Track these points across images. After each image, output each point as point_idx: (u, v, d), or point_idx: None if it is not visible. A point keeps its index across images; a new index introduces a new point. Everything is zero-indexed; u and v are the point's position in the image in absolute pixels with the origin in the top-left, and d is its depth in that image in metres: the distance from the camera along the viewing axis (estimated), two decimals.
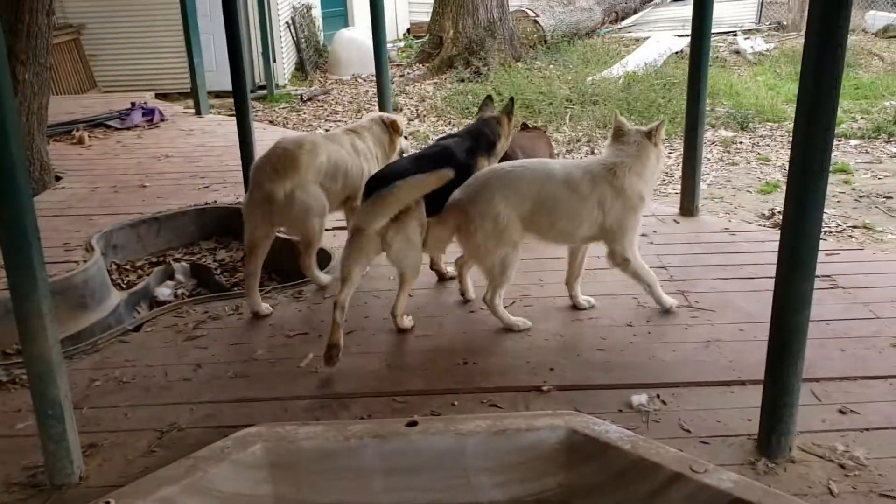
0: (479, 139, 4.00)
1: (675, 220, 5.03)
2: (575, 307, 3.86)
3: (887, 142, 8.27)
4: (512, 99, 4.36)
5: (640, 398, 3.05)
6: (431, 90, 11.22)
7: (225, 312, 3.95)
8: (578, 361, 3.37)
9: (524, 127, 5.25)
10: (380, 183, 3.45)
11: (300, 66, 12.59)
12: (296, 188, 3.78)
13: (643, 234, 4.73)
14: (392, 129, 4.38)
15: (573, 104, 9.85)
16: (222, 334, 3.73)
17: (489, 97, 4.41)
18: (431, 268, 4.20)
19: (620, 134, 3.65)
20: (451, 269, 4.20)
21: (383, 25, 6.33)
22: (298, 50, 12.50)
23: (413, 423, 2.70)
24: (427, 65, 12.66)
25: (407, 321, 3.70)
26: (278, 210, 3.79)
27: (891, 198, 6.54)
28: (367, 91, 11.42)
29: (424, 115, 9.97)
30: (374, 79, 6.92)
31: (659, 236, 4.74)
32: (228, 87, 5.42)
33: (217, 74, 10.50)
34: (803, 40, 2.45)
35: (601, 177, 3.56)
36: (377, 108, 6.11)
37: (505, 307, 3.85)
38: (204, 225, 5.48)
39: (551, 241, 3.76)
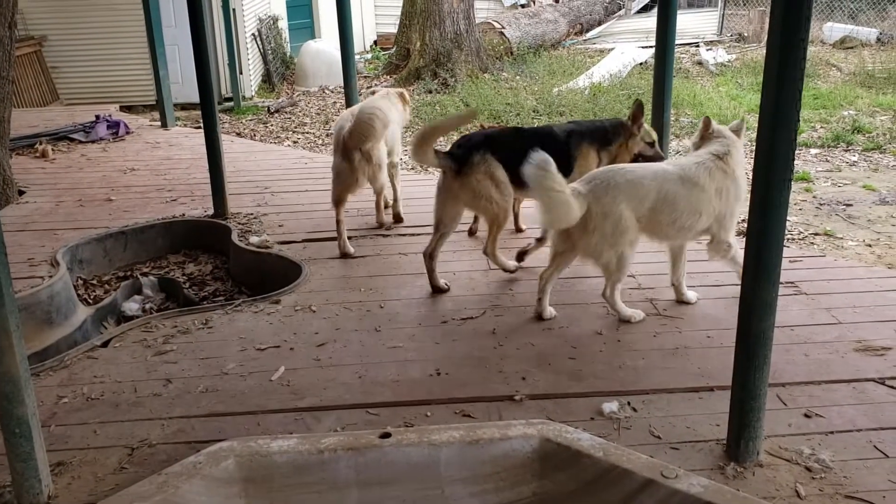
0: (592, 130, 4.44)
1: None
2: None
3: (846, 150, 8.46)
4: (638, 103, 4.43)
5: (611, 406, 3.09)
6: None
7: (195, 326, 3.92)
8: (550, 370, 3.40)
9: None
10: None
11: (267, 78, 12.54)
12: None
13: None
14: (402, 99, 5.41)
15: (540, 115, 9.94)
16: (192, 349, 3.70)
17: (639, 102, 4.44)
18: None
19: (709, 132, 3.91)
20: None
21: (351, 37, 6.37)
22: (265, 62, 12.46)
23: (386, 435, 2.71)
24: (395, 76, 12.70)
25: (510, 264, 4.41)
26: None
27: (850, 205, 6.69)
28: (334, 102, 11.41)
29: None
30: (342, 90, 6.93)
31: None
32: (194, 99, 5.41)
33: (183, 86, 10.45)
34: (764, 52, 2.51)
35: (717, 167, 3.77)
36: None
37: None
38: (172, 238, 5.43)
39: (667, 238, 3.90)
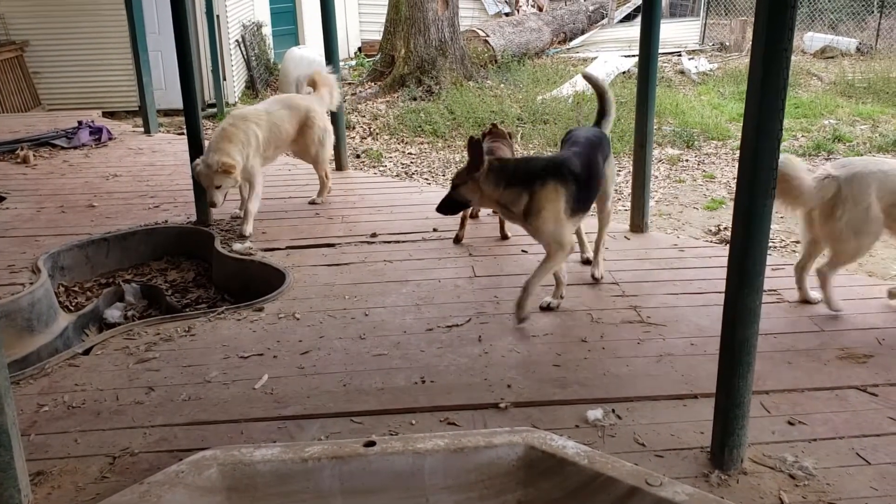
0: None
1: (625, 237, 5.13)
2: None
3: (827, 159, 8.55)
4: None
5: (595, 413, 3.09)
6: (384, 109, 11.23)
7: (177, 334, 3.89)
8: (535, 378, 3.39)
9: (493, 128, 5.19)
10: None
11: (251, 84, 12.50)
12: None
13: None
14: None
15: (524, 123, 9.98)
16: (175, 356, 3.67)
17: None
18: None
19: None
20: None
21: (336, 43, 6.38)
22: (249, 68, 12.42)
23: (371, 444, 2.69)
24: (379, 83, 12.70)
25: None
26: None
27: None
28: None
29: (377, 134, 9.97)
30: None
31: (610, 253, 4.81)
32: (177, 105, 5.39)
33: (166, 92, 10.40)
34: (747, 61, 2.53)
35: None
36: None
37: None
38: (155, 245, 5.39)
39: None
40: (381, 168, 8.47)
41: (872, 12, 17.45)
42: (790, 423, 3.04)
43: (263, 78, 12.83)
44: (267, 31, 13.50)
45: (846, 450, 2.87)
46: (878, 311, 4.01)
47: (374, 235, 5.16)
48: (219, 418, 3.14)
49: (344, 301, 4.19)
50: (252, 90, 12.41)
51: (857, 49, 15.63)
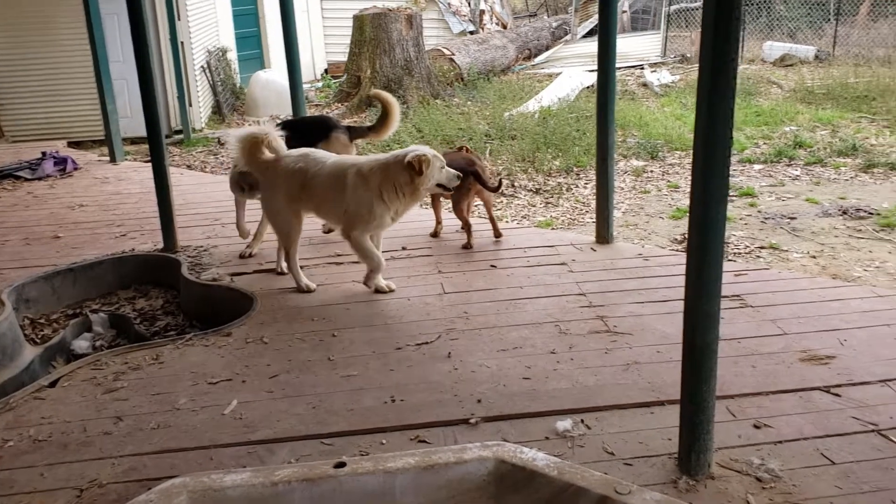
0: None
1: (592, 248, 5.18)
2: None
3: (788, 165, 8.71)
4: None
5: (564, 424, 3.12)
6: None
7: (146, 362, 3.86)
8: (505, 392, 3.41)
9: (460, 149, 5.61)
10: None
11: (217, 110, 12.48)
12: None
13: (562, 263, 4.88)
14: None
15: (492, 139, 10.05)
16: (143, 385, 3.64)
17: None
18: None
19: None
20: None
21: (298, 66, 6.41)
22: (215, 93, 12.40)
23: (341, 465, 2.69)
24: (346, 104, 12.73)
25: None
26: None
27: (794, 218, 6.88)
28: None
29: None
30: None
31: (577, 264, 4.87)
32: (144, 132, 5.36)
33: (132, 120, 10.34)
34: None
35: None
36: None
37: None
38: (122, 274, 5.34)
39: None
40: None
41: (829, 20, 17.84)
42: (756, 427, 3.09)
43: (230, 103, 12.81)
44: (232, 55, 13.50)
45: (811, 450, 2.92)
46: (839, 313, 4.08)
47: (338, 255, 5.17)
48: (188, 445, 3.12)
49: (312, 323, 4.19)
50: (219, 115, 12.38)
51: (816, 56, 15.94)
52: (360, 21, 12.83)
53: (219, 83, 12.46)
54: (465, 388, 3.46)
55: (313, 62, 16.21)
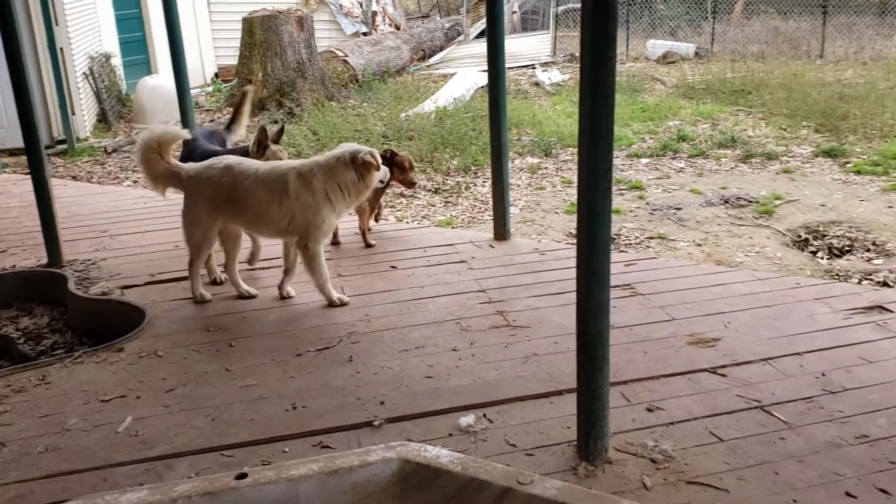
0: None
1: (490, 245, 5.26)
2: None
3: (673, 158, 9.09)
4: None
5: (467, 419, 3.16)
6: (244, 133, 11.04)
7: (31, 383, 3.67)
8: (408, 392, 3.42)
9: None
10: None
11: (103, 118, 11.97)
12: None
13: (462, 261, 4.93)
14: None
15: (389, 140, 10.05)
16: (29, 407, 3.46)
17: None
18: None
19: None
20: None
21: (185, 70, 6.23)
22: (99, 100, 11.89)
23: (242, 476, 2.63)
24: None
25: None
26: None
27: (680, 209, 7.18)
28: None
29: None
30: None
31: (476, 261, 4.93)
32: (22, 143, 5.11)
33: (10, 131, 9.77)
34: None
35: None
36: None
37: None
38: (2, 292, 5.06)
39: None
40: None
41: (707, 18, 18.73)
42: (649, 410, 3.21)
43: (116, 110, 12.31)
44: (117, 61, 12.97)
45: (700, 429, 3.06)
46: (723, 297, 4.29)
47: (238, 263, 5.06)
48: (80, 467, 2.99)
49: (208, 334, 4.08)
50: (104, 123, 11.88)
51: (696, 53, 16.70)
52: (249, 24, 12.57)
53: (103, 90, 11.96)
54: (368, 390, 3.45)
55: (203, 66, 15.77)
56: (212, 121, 11.77)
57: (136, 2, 14.25)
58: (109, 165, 9.67)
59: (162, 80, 12.29)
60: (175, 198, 4.74)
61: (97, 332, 4.48)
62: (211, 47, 16.41)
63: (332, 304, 4.38)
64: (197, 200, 4.35)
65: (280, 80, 12.13)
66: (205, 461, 2.98)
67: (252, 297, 4.54)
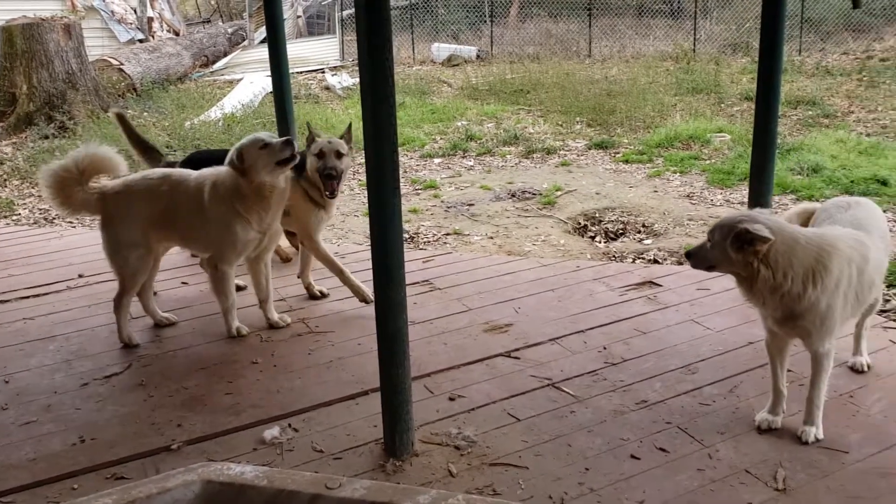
0: None
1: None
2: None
3: (463, 157, 9.43)
4: None
5: (272, 432, 3.09)
6: (10, 151, 10.08)
7: None
8: (207, 411, 3.29)
9: None
10: None
11: None
12: None
13: None
14: None
15: (174, 150, 9.58)
16: None
17: None
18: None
19: None
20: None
21: None
22: None
23: None
24: (1, 124, 11.35)
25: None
26: None
27: (472, 205, 7.45)
28: None
29: (6, 180, 8.91)
30: None
31: (275, 271, 4.73)
32: None
33: None
34: None
35: None
36: None
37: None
38: None
39: None
40: (15, 217, 7.58)
41: (486, 22, 19.60)
42: (451, 399, 3.31)
43: None
44: None
45: (499, 412, 3.21)
46: (513, 285, 4.52)
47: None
48: None
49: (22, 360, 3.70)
50: None
51: (478, 56, 17.42)
52: (8, 32, 11.47)
53: None
54: (163, 414, 3.27)
55: None
56: None
57: None
58: None
59: None
60: None
61: None
62: None
63: (230, 334, 3.99)
64: (128, 219, 3.80)
65: (48, 93, 11.19)
66: None
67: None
